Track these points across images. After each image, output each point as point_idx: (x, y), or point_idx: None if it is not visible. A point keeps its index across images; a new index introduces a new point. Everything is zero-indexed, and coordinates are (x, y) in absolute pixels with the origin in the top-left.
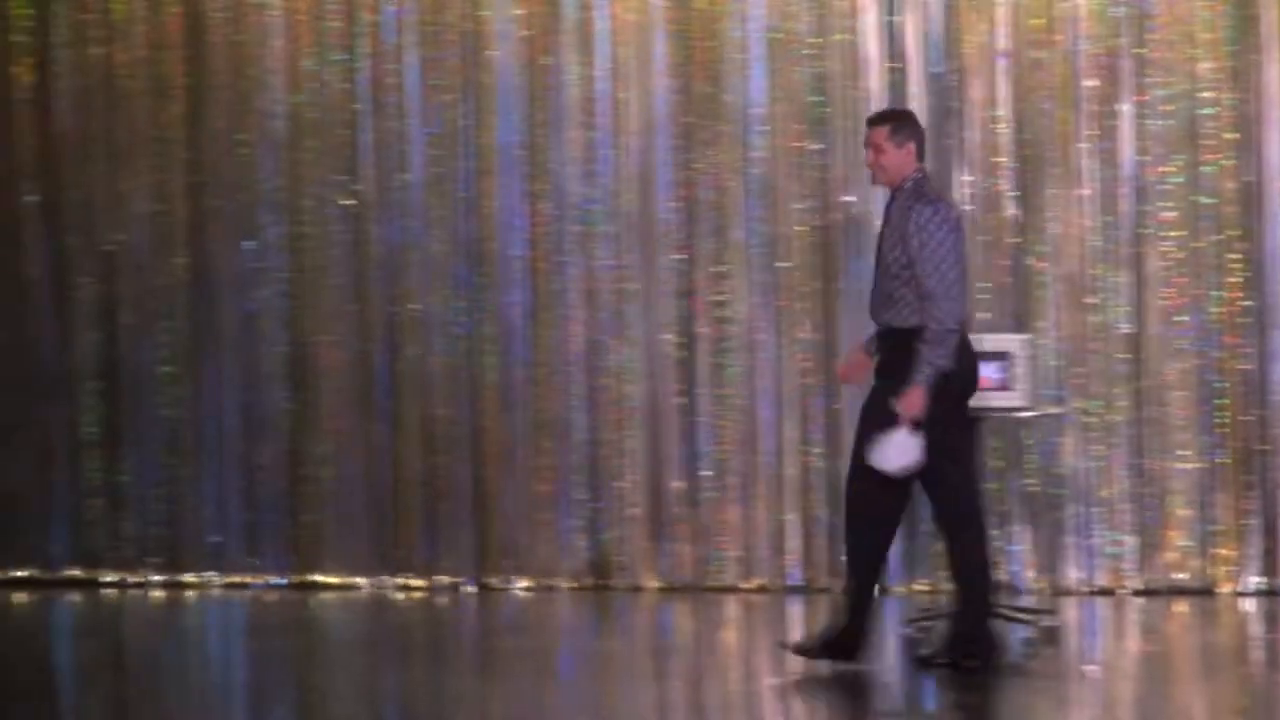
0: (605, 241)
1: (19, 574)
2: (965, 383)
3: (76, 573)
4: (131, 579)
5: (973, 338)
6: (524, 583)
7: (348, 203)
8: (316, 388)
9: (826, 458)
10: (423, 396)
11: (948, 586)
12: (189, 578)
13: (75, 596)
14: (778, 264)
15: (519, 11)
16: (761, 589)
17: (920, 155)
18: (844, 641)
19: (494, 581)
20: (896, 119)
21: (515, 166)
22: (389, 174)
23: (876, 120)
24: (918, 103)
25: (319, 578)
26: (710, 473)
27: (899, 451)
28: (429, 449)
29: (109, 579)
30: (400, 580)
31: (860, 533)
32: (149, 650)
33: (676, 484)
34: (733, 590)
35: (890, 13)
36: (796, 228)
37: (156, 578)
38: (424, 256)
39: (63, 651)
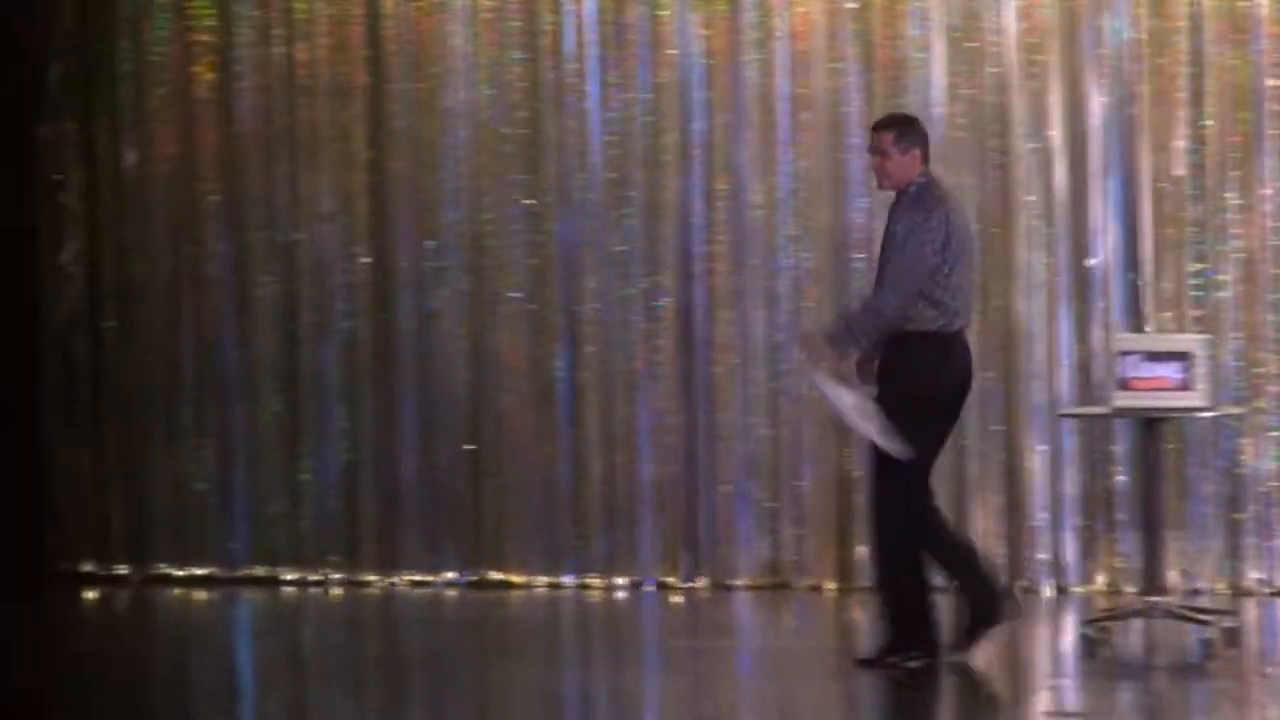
0: (785, 241)
1: (200, 571)
2: (954, 381)
3: (257, 570)
4: (312, 577)
5: (1155, 337)
6: (702, 581)
7: (528, 202)
8: (496, 386)
9: (1005, 454)
10: (602, 395)
11: (1128, 586)
12: (369, 576)
13: (256, 594)
14: None
15: (699, 10)
16: (940, 588)
17: (925, 160)
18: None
19: (672, 580)
20: (901, 125)
21: (695, 166)
22: (569, 173)
23: (882, 126)
24: (1096, 101)
25: (498, 576)
26: None
27: (855, 414)
28: (608, 448)
29: (289, 577)
30: (580, 579)
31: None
32: (331, 648)
33: (855, 483)
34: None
35: (1072, 11)
36: (975, 227)
37: (336, 575)
38: (603, 256)
39: (246, 649)
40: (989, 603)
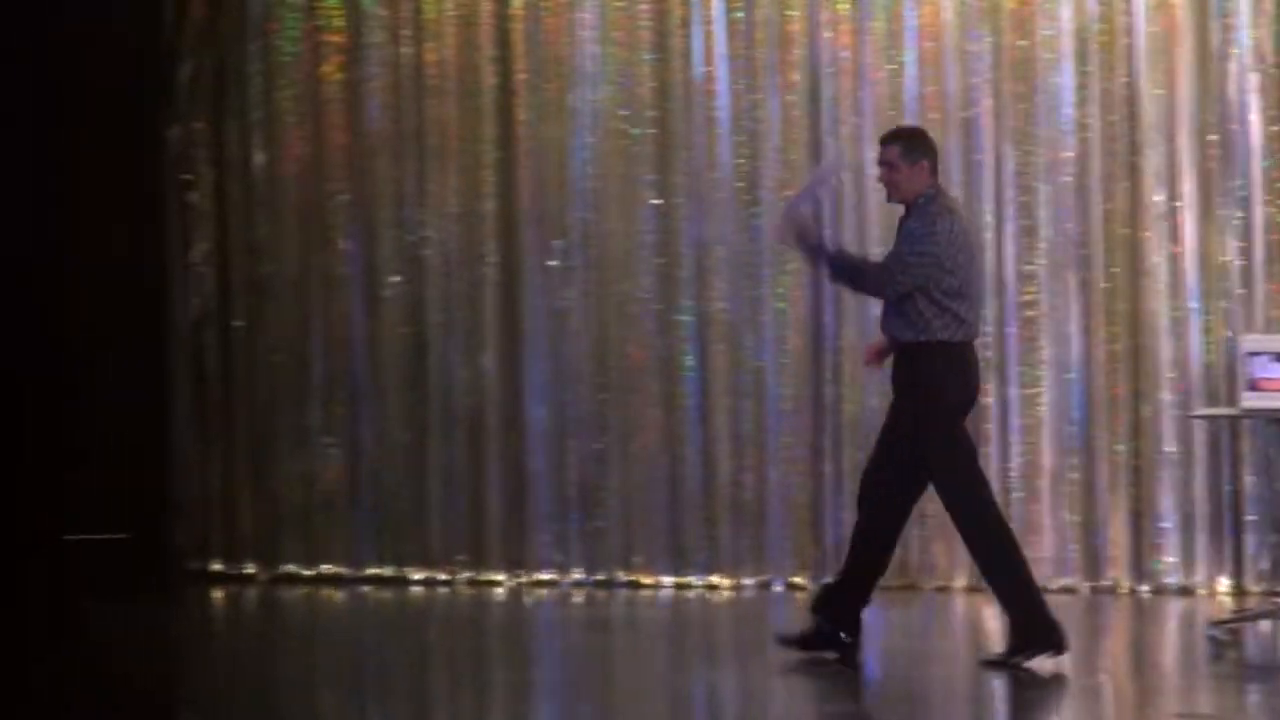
0: None
1: (328, 570)
2: (964, 397)
3: (384, 570)
4: (439, 576)
5: (1270, 337)
6: (831, 581)
7: (656, 202)
8: (624, 386)
9: (1135, 456)
10: (730, 395)
11: (1255, 587)
12: (496, 575)
13: (383, 593)
14: (1088, 265)
15: (827, 10)
16: (1069, 590)
17: (934, 171)
18: (834, 628)
19: (801, 580)
20: (908, 138)
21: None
22: (698, 173)
23: (889, 139)
24: (1225, 101)
25: (625, 575)
26: (1020, 473)
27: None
28: (737, 448)
29: (417, 576)
30: (706, 579)
31: (874, 519)
32: (458, 647)
33: None
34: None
35: (1202, 11)
36: (1105, 225)
37: (464, 575)
38: (732, 255)
39: (373, 648)
40: (850, 628)
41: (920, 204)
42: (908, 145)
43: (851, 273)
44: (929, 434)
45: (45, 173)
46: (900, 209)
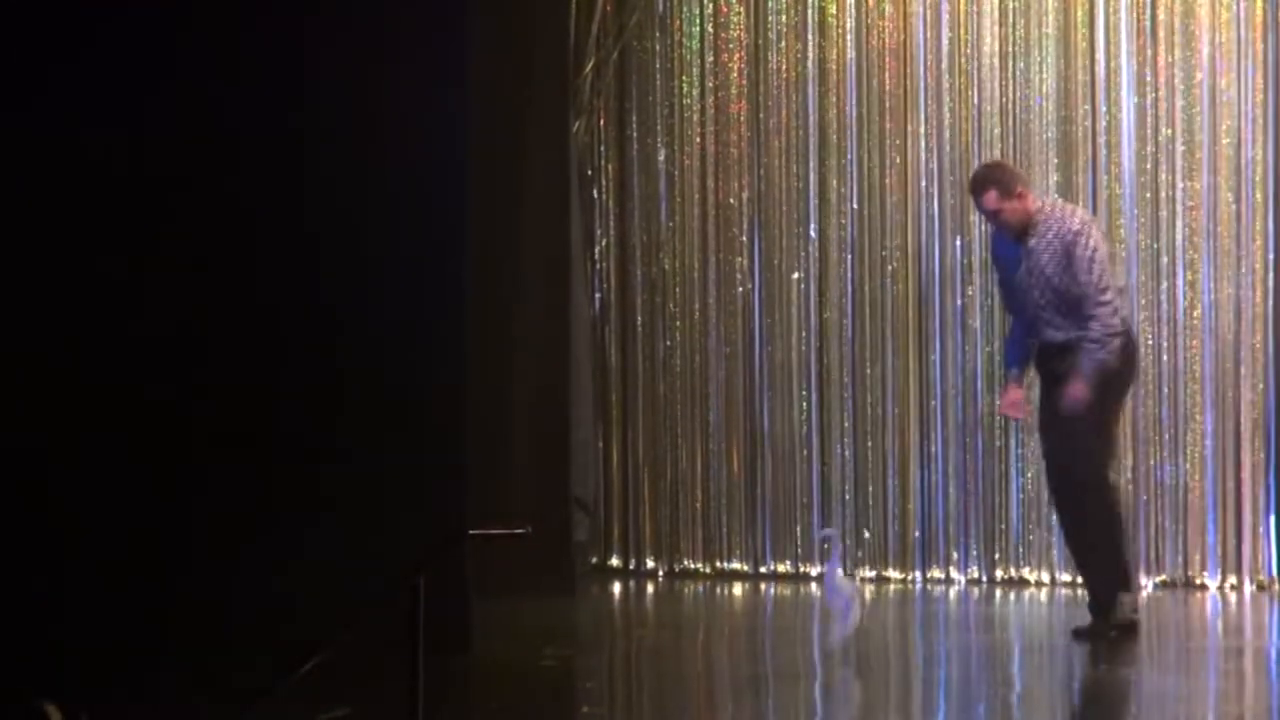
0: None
1: (727, 567)
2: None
3: (783, 567)
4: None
5: None
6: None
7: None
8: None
9: None
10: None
11: None
12: (895, 573)
13: (780, 589)
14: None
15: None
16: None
17: (1028, 186)
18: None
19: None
20: (996, 179)
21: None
22: (1095, 172)
23: (981, 188)
24: None
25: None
26: None
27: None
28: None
29: (814, 573)
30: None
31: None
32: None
33: None
34: None
35: None
36: None
37: (871, 572)
38: (1140, 253)
39: (771, 643)
40: None
41: (1043, 221)
42: (1001, 188)
43: (1113, 329)
44: (1101, 411)
45: (464, 169)
46: None
